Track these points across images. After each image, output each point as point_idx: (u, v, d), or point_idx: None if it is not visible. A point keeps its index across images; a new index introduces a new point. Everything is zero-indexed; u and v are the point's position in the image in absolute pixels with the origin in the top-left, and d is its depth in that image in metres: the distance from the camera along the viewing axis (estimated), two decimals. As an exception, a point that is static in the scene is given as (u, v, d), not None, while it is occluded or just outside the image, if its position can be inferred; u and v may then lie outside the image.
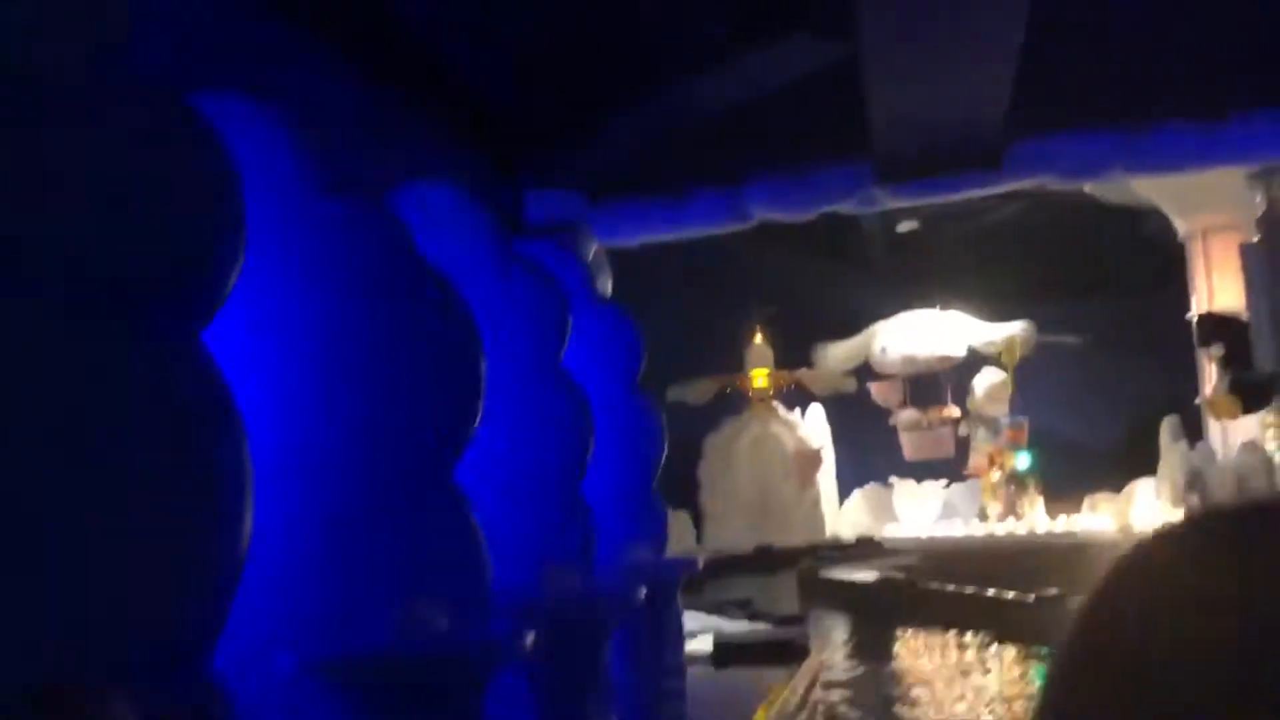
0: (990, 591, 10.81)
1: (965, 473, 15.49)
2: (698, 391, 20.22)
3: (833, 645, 10.06)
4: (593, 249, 7.41)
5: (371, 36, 5.23)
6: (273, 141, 3.25)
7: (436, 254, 3.67)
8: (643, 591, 5.22)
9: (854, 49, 5.90)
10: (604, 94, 7.05)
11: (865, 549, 16.13)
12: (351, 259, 3.29)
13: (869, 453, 20.42)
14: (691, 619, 11.18)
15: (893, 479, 18.44)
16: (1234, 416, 11.21)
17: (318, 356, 3.14)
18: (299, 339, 3.13)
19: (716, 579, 16.83)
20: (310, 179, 3.33)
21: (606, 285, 7.85)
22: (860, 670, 8.89)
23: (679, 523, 19.92)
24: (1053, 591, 10.13)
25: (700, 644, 8.92)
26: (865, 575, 13.38)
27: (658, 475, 6.42)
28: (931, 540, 13.42)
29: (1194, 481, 10.47)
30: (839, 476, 21.17)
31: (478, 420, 3.60)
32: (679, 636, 5.71)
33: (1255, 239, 9.43)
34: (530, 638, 3.32)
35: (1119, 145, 6.84)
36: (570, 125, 7.28)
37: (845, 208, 7.62)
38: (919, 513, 16.80)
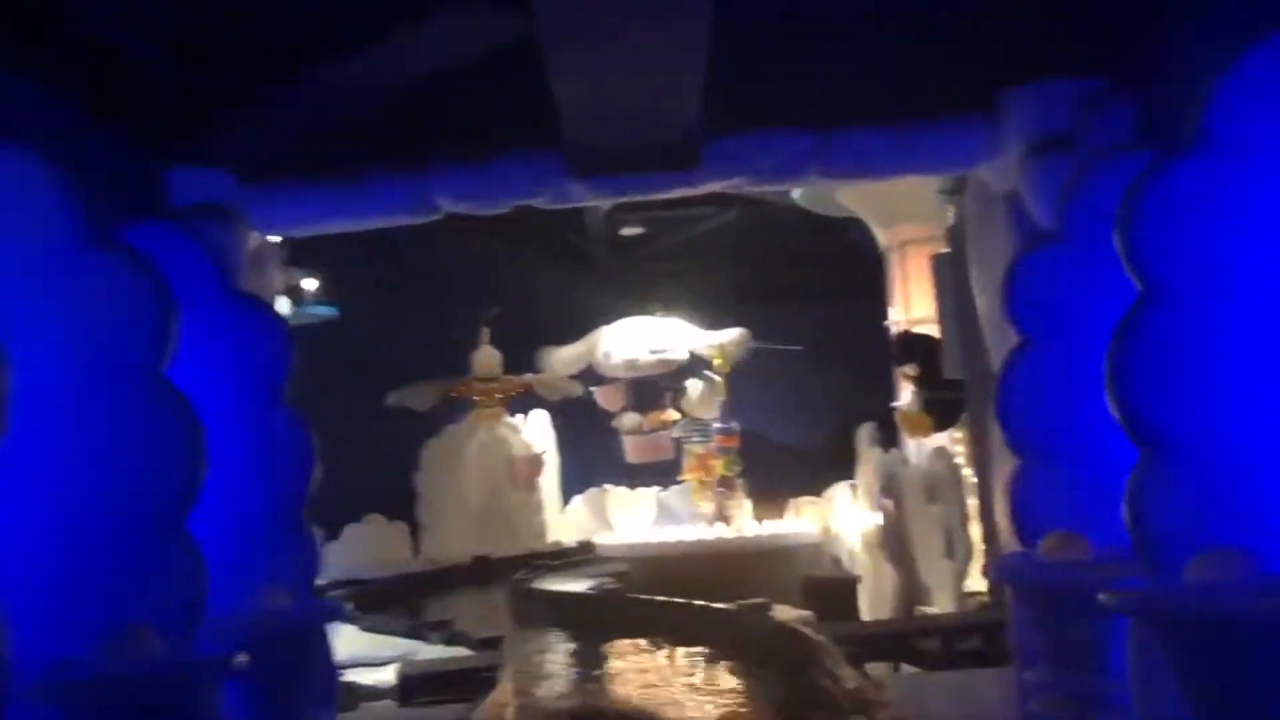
0: (698, 603, 10.47)
1: (679, 477, 15.29)
2: (421, 397, 19.17)
3: (533, 667, 9.41)
4: (248, 238, 6.42)
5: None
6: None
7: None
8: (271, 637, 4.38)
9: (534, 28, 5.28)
10: (261, 67, 6.11)
11: (583, 556, 15.62)
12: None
13: (594, 458, 20.03)
14: (385, 646, 10.33)
15: (606, 485, 18.08)
16: (926, 434, 11.41)
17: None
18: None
19: (435, 595, 15.93)
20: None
21: (272, 280, 6.85)
22: (559, 696, 8.26)
23: (395, 535, 18.82)
24: (757, 600, 9.89)
25: (386, 676, 8.06)
26: (577, 586, 12.84)
27: (307, 499, 5.53)
28: (645, 546, 13.05)
29: (888, 486, 10.54)
30: (564, 482, 20.66)
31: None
32: (325, 683, 4.88)
33: (945, 250, 9.58)
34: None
35: (814, 148, 6.56)
36: (223, 99, 6.27)
37: (539, 202, 6.98)
38: (634, 519, 16.49)
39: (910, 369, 11.23)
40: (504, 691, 7.32)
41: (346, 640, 10.80)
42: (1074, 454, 4.76)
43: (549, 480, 20.08)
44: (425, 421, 19.48)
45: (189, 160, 6.22)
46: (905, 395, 12.55)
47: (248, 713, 4.37)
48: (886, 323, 15.44)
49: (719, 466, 13.94)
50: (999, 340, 6.43)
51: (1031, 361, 4.93)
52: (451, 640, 9.40)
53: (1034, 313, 4.96)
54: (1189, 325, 3.69)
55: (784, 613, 10.57)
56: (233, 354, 5.01)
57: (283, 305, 15.88)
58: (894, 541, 10.38)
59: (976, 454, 8.97)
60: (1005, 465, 6.56)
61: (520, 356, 19.67)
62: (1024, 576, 4.34)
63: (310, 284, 17.09)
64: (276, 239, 7.35)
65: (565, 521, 19.90)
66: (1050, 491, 4.78)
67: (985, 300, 6.87)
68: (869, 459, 10.79)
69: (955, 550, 9.72)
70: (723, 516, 13.39)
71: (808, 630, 8.48)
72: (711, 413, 14.58)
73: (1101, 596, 3.39)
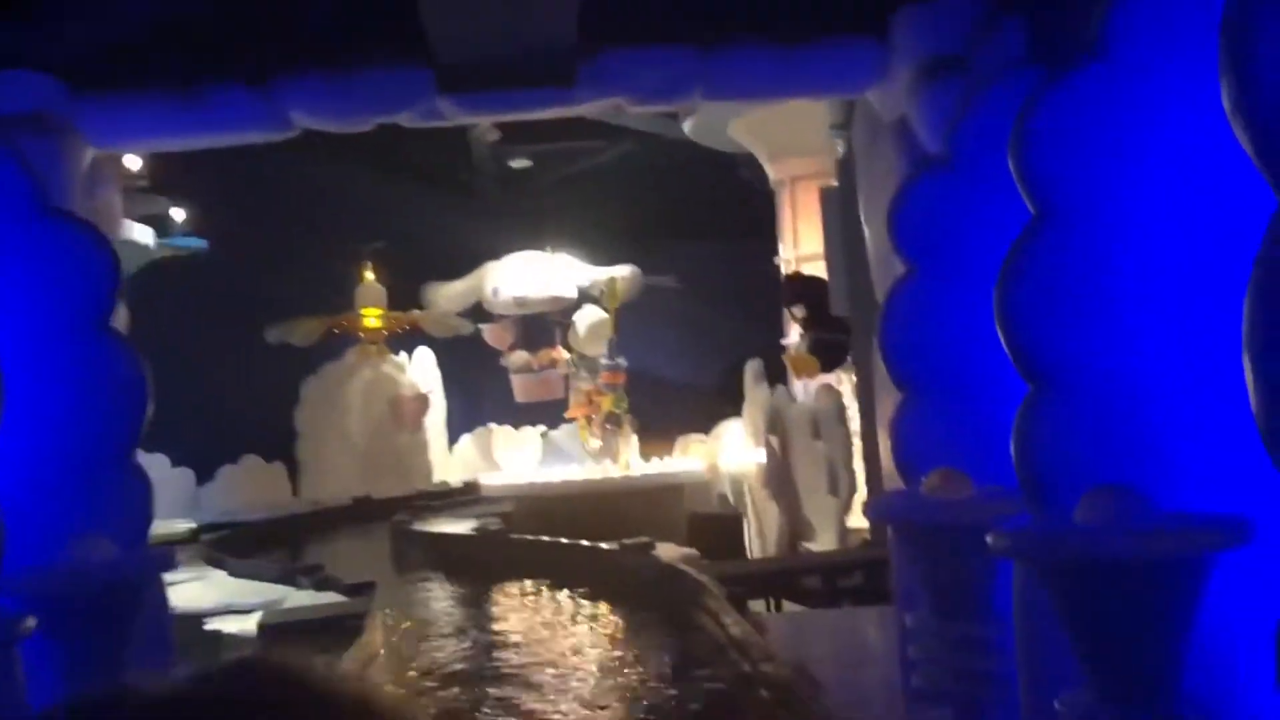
0: (580, 543, 10.20)
1: (566, 414, 14.94)
2: (302, 332, 18.39)
3: (411, 611, 9.02)
4: (80, 152, 5.76)
5: None
6: None
7: None
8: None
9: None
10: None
11: (468, 497, 15.23)
12: None
13: (481, 397, 19.56)
14: (255, 592, 9.81)
15: (491, 425, 17.66)
16: (813, 375, 11.24)
17: None
18: None
19: (314, 537, 15.37)
20: None
21: (110, 201, 6.19)
22: (440, 641, 7.89)
23: (274, 476, 18.13)
24: (640, 540, 9.66)
25: (248, 625, 7.59)
26: (459, 528, 12.45)
27: (139, 436, 5.00)
28: (530, 486, 12.70)
29: (774, 423, 10.35)
30: (451, 422, 20.16)
31: None
32: (156, 636, 4.38)
33: (834, 183, 9.32)
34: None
35: (698, 66, 6.15)
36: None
37: (405, 119, 6.43)
38: (520, 458, 16.12)
39: (798, 310, 11.02)
40: (372, 641, 6.92)
41: (215, 586, 10.24)
42: (960, 389, 4.52)
43: (435, 419, 19.58)
44: (306, 359, 18.74)
45: (6, 63, 5.53)
46: (793, 336, 12.37)
47: (67, 669, 3.89)
48: (776, 260, 15.23)
49: (606, 403, 13.62)
50: (885, 274, 6.18)
51: (917, 292, 4.66)
52: (322, 585, 8.93)
53: (920, 241, 4.68)
54: (1082, 252, 3.42)
55: (668, 551, 10.38)
56: (47, 278, 4.43)
57: (145, 235, 14.94)
58: (778, 479, 10.23)
59: (861, 391, 8.81)
60: (889, 401, 6.34)
61: (405, 293, 18.98)
62: (905, 515, 4.10)
63: (178, 214, 16.09)
64: (135, 161, 6.68)
65: (453, 461, 19.47)
66: (934, 428, 4.54)
67: (873, 233, 6.61)
68: (755, 396, 10.58)
69: (839, 487, 9.60)
70: (610, 454, 13.10)
71: (690, 570, 8.27)
72: (599, 349, 14.22)
73: (989, 538, 3.14)
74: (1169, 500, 3.02)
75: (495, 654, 7.02)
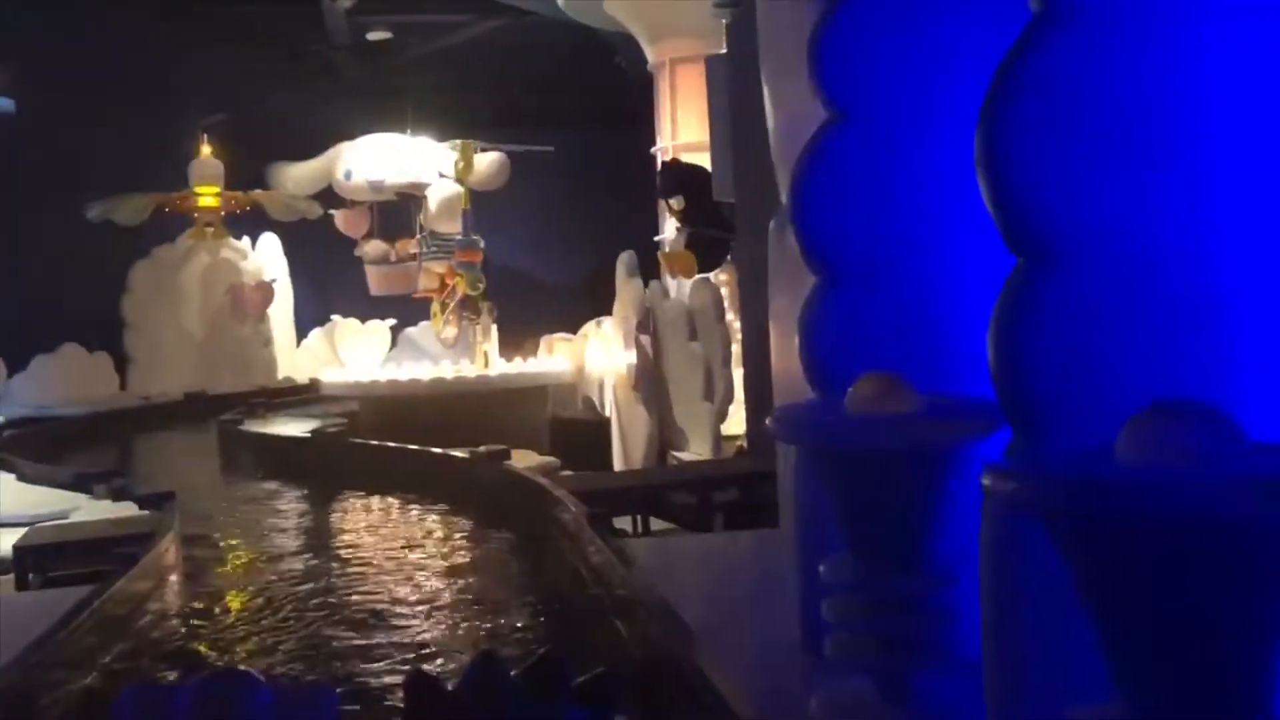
0: (429, 450, 8.96)
1: (415, 295, 13.55)
2: (129, 210, 16.33)
3: (218, 528, 7.68)
4: None
5: None
6: None
7: None
8: None
9: None
10: None
11: (311, 395, 13.75)
12: None
13: (332, 288, 17.88)
14: (39, 501, 8.28)
15: (335, 317, 16.10)
16: (689, 274, 10.10)
17: None
18: None
19: (139, 436, 13.67)
20: None
21: None
22: (235, 569, 6.59)
23: (99, 367, 16.20)
24: (494, 447, 8.47)
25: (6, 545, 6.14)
26: (295, 430, 11.03)
27: None
28: (375, 385, 11.33)
29: (646, 320, 9.23)
30: (298, 315, 18.44)
31: None
32: None
33: (720, 52, 8.09)
34: None
35: None
36: None
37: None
38: (366, 355, 14.68)
39: (676, 202, 9.82)
40: (164, 559, 5.60)
41: (3, 491, 8.66)
42: (896, 274, 3.40)
43: (281, 311, 17.82)
44: (133, 240, 16.67)
45: None
46: (670, 231, 11.21)
47: None
48: (653, 150, 13.98)
49: (460, 284, 12.29)
50: (792, 151, 5.03)
51: (845, 147, 3.48)
52: (120, 495, 7.50)
53: (853, 79, 3.50)
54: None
55: (526, 459, 9.26)
56: None
57: (-65, 89, 12.69)
58: (649, 381, 9.16)
59: (745, 286, 7.71)
60: (789, 293, 5.24)
61: (248, 172, 16.98)
62: (825, 435, 2.97)
63: (-22, 69, 13.78)
64: None
65: (301, 357, 17.83)
66: (861, 322, 3.42)
67: (778, 98, 5.40)
68: (627, 291, 9.42)
69: (714, 391, 8.58)
70: (467, 348, 11.84)
71: (546, 483, 7.16)
72: (454, 226, 12.82)
73: (985, 481, 2.03)
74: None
75: (304, 583, 5.80)
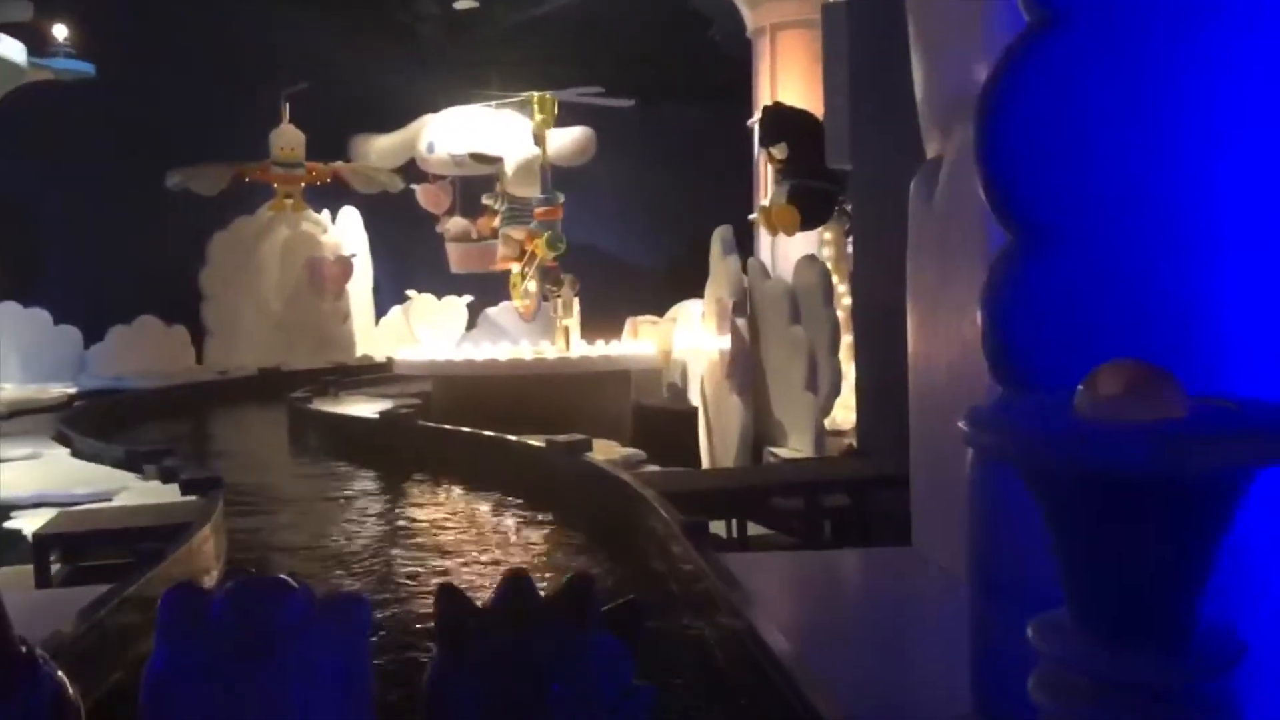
0: (503, 437, 8.17)
1: (492, 267, 12.78)
2: (208, 179, 15.86)
3: (269, 509, 7.00)
4: None
5: None
6: None
7: None
8: None
9: None
10: None
11: (388, 374, 13.11)
12: None
13: (411, 263, 17.26)
14: (86, 479, 7.66)
15: (410, 292, 15.43)
16: (790, 230, 9.11)
17: None
18: None
19: (210, 411, 13.18)
20: None
21: None
22: (283, 551, 5.87)
23: (176, 340, 15.81)
24: (574, 437, 7.64)
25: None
26: (366, 410, 10.35)
27: None
28: (449, 365, 10.58)
29: (744, 302, 8.29)
30: (379, 291, 17.88)
31: None
32: None
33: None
34: None
35: None
36: None
37: None
38: (442, 332, 13.98)
39: (779, 150, 8.81)
40: (202, 553, 4.90)
41: (47, 469, 8.09)
42: (1129, 231, 2.45)
43: (360, 286, 17.26)
44: (212, 210, 16.20)
45: None
46: (769, 186, 10.23)
47: None
48: (749, 122, 13.00)
49: (539, 246, 11.48)
50: (951, 107, 4.10)
51: (1060, 58, 2.53)
52: (169, 476, 6.85)
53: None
54: None
55: (607, 451, 8.39)
56: None
57: (14, 51, 12.28)
58: (745, 368, 8.23)
59: (863, 257, 6.75)
60: (942, 261, 4.29)
61: (329, 143, 16.38)
62: (1055, 448, 2.00)
63: (60, 32, 13.35)
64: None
65: (380, 334, 17.26)
66: (1079, 297, 2.48)
67: (931, 45, 4.43)
68: (722, 269, 8.49)
69: (819, 382, 7.62)
70: (547, 323, 11.03)
71: (632, 480, 6.28)
72: (532, 190, 12.01)
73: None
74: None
75: (347, 582, 5.04)
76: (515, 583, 2.05)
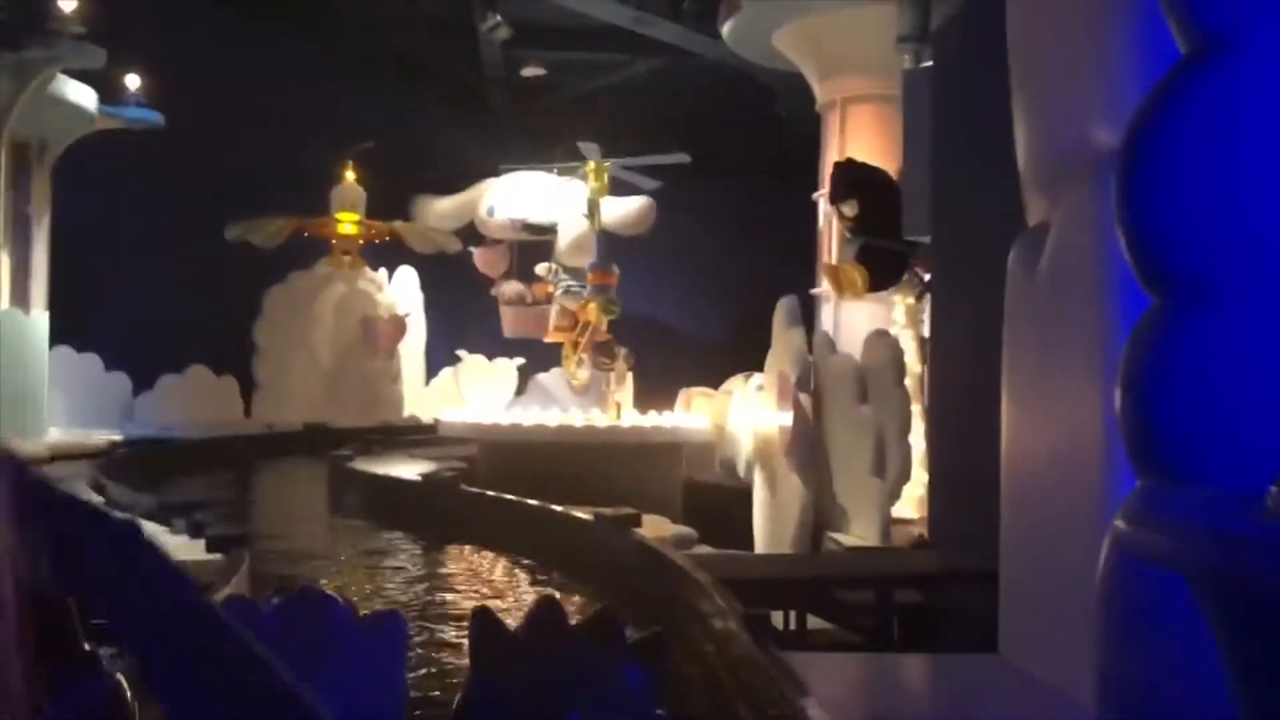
0: (547, 507, 7.76)
1: (545, 338, 12.52)
2: (267, 232, 15.88)
3: (293, 571, 6.64)
4: None
5: None
6: None
7: None
8: None
9: None
10: None
11: (433, 435, 12.80)
12: None
13: (466, 327, 17.05)
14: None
15: (461, 352, 15.18)
16: (858, 293, 8.65)
17: None
18: None
19: (252, 465, 12.94)
20: None
21: None
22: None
23: (225, 391, 15.69)
24: (622, 511, 7.20)
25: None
26: (407, 472, 10.00)
27: None
28: (495, 429, 10.24)
29: (807, 376, 7.85)
30: (431, 352, 17.68)
31: None
32: None
33: (924, 63, 6.77)
34: None
35: None
36: None
37: None
38: (490, 395, 13.67)
39: (849, 208, 8.41)
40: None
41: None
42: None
43: (413, 346, 17.10)
44: (269, 263, 16.21)
45: None
46: (837, 245, 9.82)
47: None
48: (815, 195, 12.69)
49: (592, 313, 11.18)
50: (1060, 168, 3.69)
51: (1224, 90, 2.13)
52: (197, 532, 6.53)
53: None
54: None
55: (657, 528, 7.92)
56: None
57: (85, 97, 12.38)
58: (806, 447, 7.77)
59: (941, 331, 6.30)
60: (1045, 334, 3.85)
61: (390, 202, 16.38)
62: (1239, 553, 1.53)
63: (132, 82, 13.49)
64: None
65: (429, 395, 17.04)
66: (1256, 364, 2.02)
67: (1034, 110, 4.04)
68: (786, 342, 8.09)
69: (886, 465, 7.14)
70: (599, 395, 10.67)
71: (684, 562, 5.82)
72: (586, 261, 11.80)
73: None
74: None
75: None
76: (548, 608, 1.84)
